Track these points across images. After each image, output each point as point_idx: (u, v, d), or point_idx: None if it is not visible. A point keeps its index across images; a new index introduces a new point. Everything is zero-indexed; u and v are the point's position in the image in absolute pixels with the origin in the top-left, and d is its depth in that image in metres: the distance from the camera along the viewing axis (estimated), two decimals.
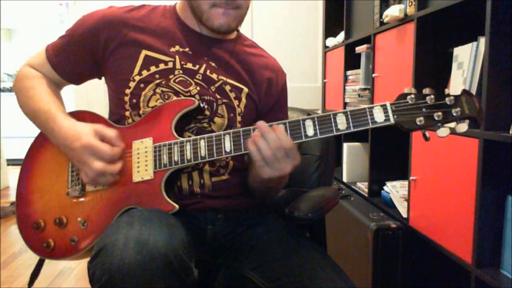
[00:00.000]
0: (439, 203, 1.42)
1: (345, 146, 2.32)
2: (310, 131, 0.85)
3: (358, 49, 2.13)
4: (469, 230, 1.24)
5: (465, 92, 0.81)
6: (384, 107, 0.82)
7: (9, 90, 5.01)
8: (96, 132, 0.91)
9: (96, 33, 1.01)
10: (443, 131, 0.81)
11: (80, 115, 1.03)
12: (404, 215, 1.67)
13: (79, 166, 0.92)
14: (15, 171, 1.08)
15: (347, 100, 2.38)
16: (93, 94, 2.76)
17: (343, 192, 2.12)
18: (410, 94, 0.81)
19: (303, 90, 2.87)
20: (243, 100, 1.06)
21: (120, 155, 0.92)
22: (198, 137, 0.91)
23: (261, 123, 0.85)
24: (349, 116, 0.83)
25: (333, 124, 0.83)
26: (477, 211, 1.21)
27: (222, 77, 1.04)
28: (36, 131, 1.06)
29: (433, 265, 1.62)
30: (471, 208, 1.23)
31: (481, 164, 1.18)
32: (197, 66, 1.02)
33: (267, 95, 1.10)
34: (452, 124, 0.81)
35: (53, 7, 5.39)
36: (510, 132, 1.13)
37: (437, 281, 1.63)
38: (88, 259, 0.77)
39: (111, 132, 0.92)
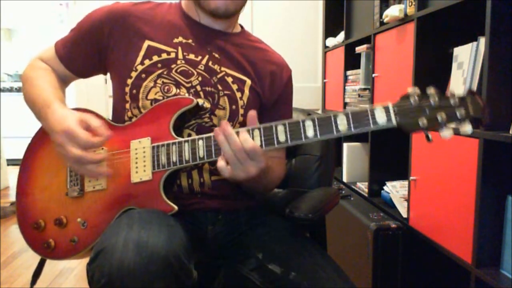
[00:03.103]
0: (439, 203, 1.42)
1: (345, 146, 2.32)
2: (310, 132, 0.83)
3: (358, 49, 2.13)
4: (469, 230, 1.24)
5: (470, 92, 0.78)
6: (386, 108, 0.79)
7: (9, 90, 4.98)
8: (81, 120, 0.88)
9: (101, 25, 1.03)
10: (447, 132, 0.78)
11: None
12: (404, 215, 1.66)
13: (58, 149, 0.89)
14: (15, 171, 1.07)
15: (347, 100, 2.37)
16: (94, 92, 2.76)
17: (343, 192, 2.12)
18: (413, 94, 0.79)
19: (303, 90, 2.86)
20: (246, 92, 1.06)
21: (110, 150, 0.90)
22: (197, 137, 0.90)
23: (224, 124, 0.84)
24: (350, 117, 0.80)
25: (333, 125, 0.81)
26: (477, 211, 1.21)
27: (225, 69, 1.04)
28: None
29: (433, 265, 1.62)
30: (471, 208, 1.23)
31: (481, 164, 1.18)
32: (200, 57, 1.03)
33: (271, 89, 1.10)
34: (456, 125, 0.79)
35: (53, 7, 5.39)
36: (510, 132, 1.13)
37: (437, 281, 1.63)
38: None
39: (96, 122, 0.89)
